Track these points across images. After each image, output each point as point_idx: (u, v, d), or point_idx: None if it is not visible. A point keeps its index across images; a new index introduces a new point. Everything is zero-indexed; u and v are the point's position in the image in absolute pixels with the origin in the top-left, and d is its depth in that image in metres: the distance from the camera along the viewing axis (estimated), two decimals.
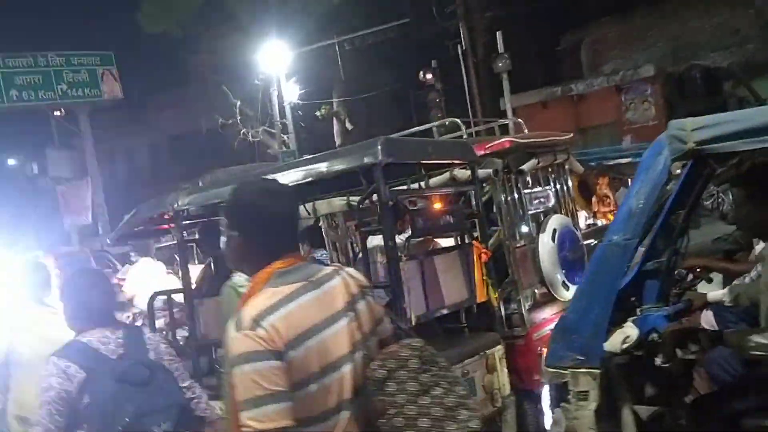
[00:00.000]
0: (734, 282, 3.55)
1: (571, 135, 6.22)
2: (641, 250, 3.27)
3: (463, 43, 19.37)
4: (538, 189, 5.57)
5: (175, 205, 4.99)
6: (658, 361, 3.12)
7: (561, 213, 5.59)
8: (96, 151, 20.28)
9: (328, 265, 2.83)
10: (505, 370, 4.55)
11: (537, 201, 5.49)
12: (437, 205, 5.27)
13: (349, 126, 21.37)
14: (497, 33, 17.95)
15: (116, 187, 28.40)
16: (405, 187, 5.22)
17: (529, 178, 5.47)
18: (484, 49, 19.80)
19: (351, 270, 2.25)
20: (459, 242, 5.03)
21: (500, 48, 17.84)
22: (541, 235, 5.16)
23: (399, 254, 4.29)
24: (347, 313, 2.11)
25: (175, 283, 6.41)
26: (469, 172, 4.92)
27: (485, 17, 19.76)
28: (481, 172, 4.97)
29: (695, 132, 2.80)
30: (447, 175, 5.10)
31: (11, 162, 40.31)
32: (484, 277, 4.62)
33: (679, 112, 14.64)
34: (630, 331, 3.11)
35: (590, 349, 3.15)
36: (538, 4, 19.64)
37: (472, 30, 19.82)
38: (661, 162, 2.99)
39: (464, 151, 4.98)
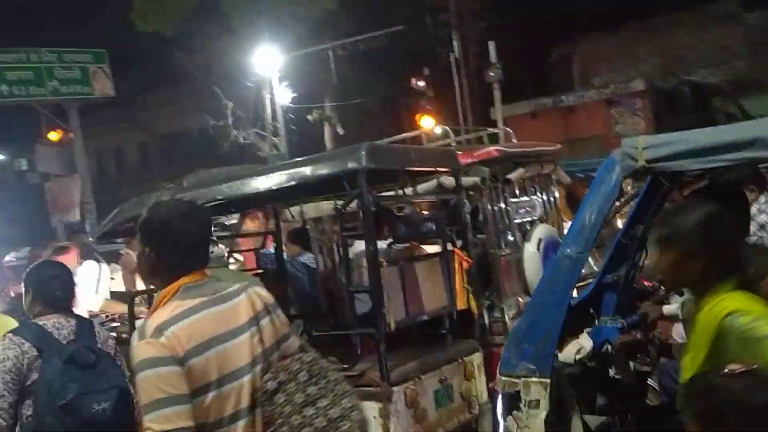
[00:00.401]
0: (685, 296, 3.65)
1: (559, 146, 6.30)
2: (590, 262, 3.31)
3: (455, 51, 19.48)
4: (525, 198, 5.63)
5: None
6: (611, 372, 3.17)
7: (547, 223, 5.65)
8: (86, 149, 20.20)
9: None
10: (483, 378, 4.59)
11: (523, 210, 5.55)
12: (419, 212, 5.30)
13: (340, 130, 21.41)
14: (489, 43, 18.06)
15: (106, 184, 28.31)
16: (390, 193, 5.25)
17: (516, 188, 5.53)
18: (475, 59, 19.92)
19: (258, 288, 2.39)
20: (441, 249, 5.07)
21: (492, 58, 17.95)
22: (526, 244, 5.22)
23: (380, 260, 4.33)
24: (250, 327, 2.24)
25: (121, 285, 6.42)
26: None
27: (478, 27, 19.88)
28: (468, 180, 5.02)
29: (646, 150, 2.84)
30: (434, 182, 5.15)
31: (0, 157, 40.12)
32: (465, 285, 4.65)
33: (667, 127, 14.77)
34: (584, 342, 3.17)
35: (541, 358, 3.20)
36: (530, 15, 19.78)
37: (465, 39, 19.94)
38: (613, 178, 3.06)
39: (448, 159, 5.04)
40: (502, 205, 5.27)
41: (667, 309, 3.56)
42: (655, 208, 3.23)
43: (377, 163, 4.13)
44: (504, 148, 5.60)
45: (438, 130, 9.96)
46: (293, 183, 4.37)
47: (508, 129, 8.43)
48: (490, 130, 9.26)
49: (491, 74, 18.02)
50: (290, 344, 2.35)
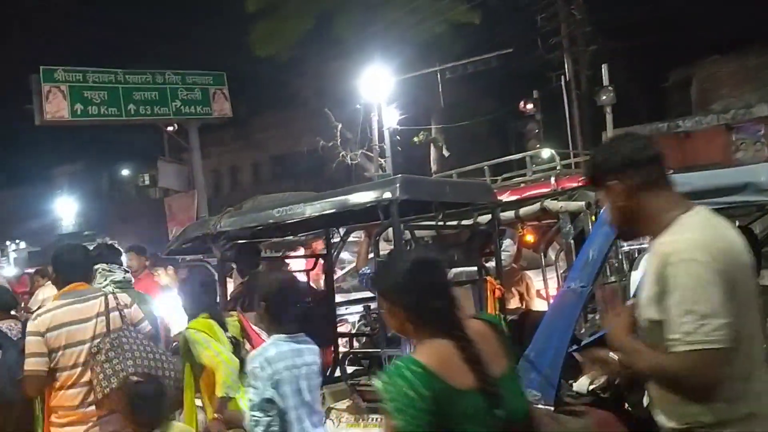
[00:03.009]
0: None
1: (672, 172, 6.06)
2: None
3: (566, 74, 19.17)
4: None
5: (218, 227, 5.35)
6: (626, 404, 3.20)
7: None
8: (203, 166, 21.18)
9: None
10: None
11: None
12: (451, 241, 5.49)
13: (446, 153, 21.47)
14: (603, 66, 17.67)
15: (221, 201, 29.57)
16: (423, 223, 5.40)
17: None
18: (587, 82, 19.52)
19: (119, 294, 4.19)
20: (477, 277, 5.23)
21: (605, 81, 17.54)
22: (633, 272, 5.06)
23: None
24: (98, 318, 3.93)
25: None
26: (561, 204, 4.94)
27: (590, 50, 19.49)
28: (573, 205, 4.97)
29: None
30: (537, 206, 5.16)
31: (124, 172, 42.75)
32: (497, 312, 4.72)
33: None
34: (599, 374, 3.22)
35: (545, 387, 3.34)
36: (646, 38, 19.22)
37: (576, 62, 19.60)
38: None
39: (485, 193, 5.23)
40: None
41: None
42: None
43: (411, 194, 4.31)
44: None
45: (545, 153, 9.82)
46: (334, 210, 4.66)
47: None
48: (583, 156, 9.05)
49: (603, 97, 17.58)
50: (142, 327, 4.17)
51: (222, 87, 20.04)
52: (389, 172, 19.31)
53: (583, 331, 4.07)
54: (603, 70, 17.55)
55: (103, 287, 4.50)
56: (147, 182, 39.36)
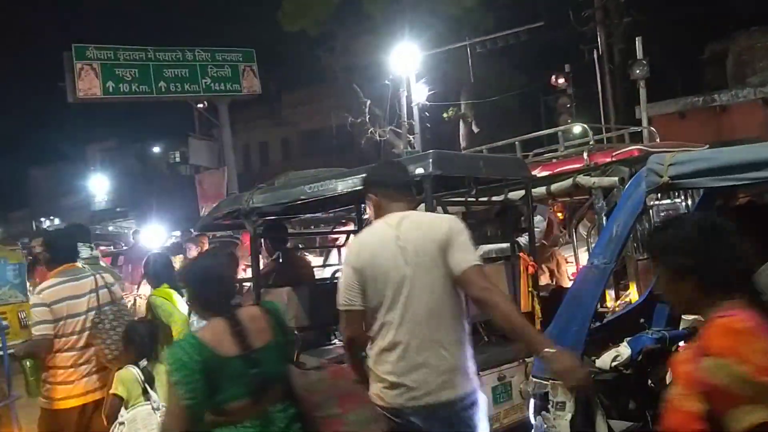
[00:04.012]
0: None
1: (706, 147, 5.95)
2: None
3: (599, 48, 18.82)
4: (667, 201, 5.38)
5: (251, 203, 5.40)
6: (649, 381, 3.26)
7: None
8: (233, 143, 21.31)
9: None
10: None
11: (665, 214, 5.31)
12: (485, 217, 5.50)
13: (475, 129, 21.31)
14: (637, 39, 17.30)
15: (250, 178, 29.75)
16: (457, 199, 5.37)
17: None
18: (620, 55, 19.15)
19: (104, 274, 4.93)
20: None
21: (639, 54, 17.19)
22: None
23: None
24: (90, 294, 4.68)
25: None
26: (594, 179, 4.88)
27: (624, 23, 19.10)
28: (607, 181, 4.92)
29: (672, 167, 2.95)
30: (570, 181, 5.09)
31: (155, 150, 43.21)
32: (530, 289, 4.72)
33: None
34: (623, 350, 3.25)
35: None
36: (682, 10, 18.76)
37: (610, 35, 19.22)
38: (639, 193, 3.16)
39: (519, 168, 5.13)
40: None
41: None
42: None
43: (444, 169, 4.29)
44: (645, 148, 5.39)
45: (577, 128, 9.69)
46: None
47: (652, 128, 8.06)
48: (632, 129, 8.89)
49: (637, 71, 17.23)
50: (124, 302, 5.13)
51: (251, 64, 20.09)
52: (418, 149, 19.23)
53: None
54: (637, 43, 17.19)
55: None
56: (178, 159, 39.74)
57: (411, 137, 20.33)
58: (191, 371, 2.67)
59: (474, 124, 21.44)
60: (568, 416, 3.25)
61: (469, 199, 5.07)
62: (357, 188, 4.67)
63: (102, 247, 12.12)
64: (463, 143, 21.17)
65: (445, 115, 21.76)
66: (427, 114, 20.83)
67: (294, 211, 6.00)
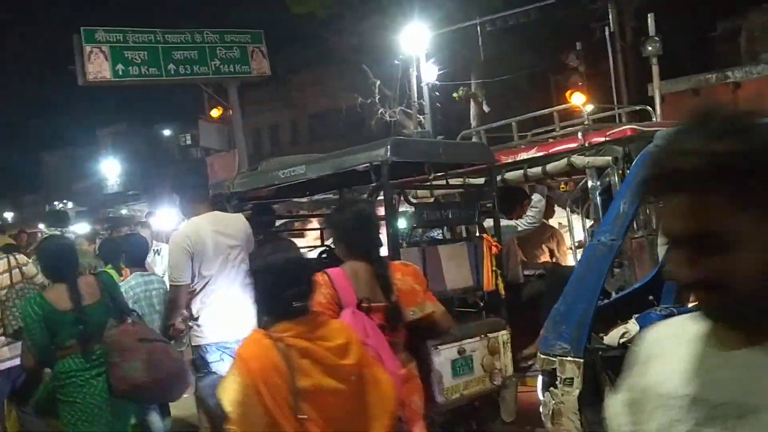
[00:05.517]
0: None
1: None
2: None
3: (610, 25, 18.64)
4: None
5: (231, 187, 5.66)
6: None
7: None
8: (243, 125, 21.31)
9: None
10: (510, 353, 4.86)
11: None
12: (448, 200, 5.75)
13: (486, 108, 21.19)
14: (649, 15, 17.12)
15: (261, 159, 29.74)
16: (419, 185, 5.66)
17: None
18: (632, 33, 18.97)
19: (17, 255, 5.85)
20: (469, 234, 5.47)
21: (651, 31, 17.00)
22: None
23: (401, 242, 4.87)
24: (2, 275, 5.59)
25: None
26: (588, 159, 4.95)
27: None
28: (600, 160, 4.99)
29: None
30: (564, 161, 5.16)
31: (166, 132, 43.29)
32: (494, 268, 4.88)
33: None
34: (631, 327, 3.29)
35: (576, 340, 3.39)
36: None
37: (621, 12, 19.02)
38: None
39: (481, 153, 5.29)
40: None
41: None
42: None
43: (401, 155, 4.42)
44: (639, 127, 5.38)
45: (589, 107, 9.60)
46: (330, 172, 4.88)
47: (648, 107, 8.01)
48: (628, 108, 8.79)
49: (649, 48, 17.05)
50: (36, 279, 5.59)
51: (260, 45, 20.00)
52: (428, 129, 19.16)
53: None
54: (649, 19, 17.01)
55: None
56: (188, 142, 39.81)
57: (421, 117, 20.25)
58: (36, 322, 4.07)
59: (485, 104, 21.32)
60: (576, 392, 3.30)
61: (425, 183, 5.25)
62: (323, 173, 4.94)
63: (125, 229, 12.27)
64: (473, 123, 21.07)
65: (455, 95, 21.63)
66: (438, 94, 20.71)
67: (274, 195, 6.24)
